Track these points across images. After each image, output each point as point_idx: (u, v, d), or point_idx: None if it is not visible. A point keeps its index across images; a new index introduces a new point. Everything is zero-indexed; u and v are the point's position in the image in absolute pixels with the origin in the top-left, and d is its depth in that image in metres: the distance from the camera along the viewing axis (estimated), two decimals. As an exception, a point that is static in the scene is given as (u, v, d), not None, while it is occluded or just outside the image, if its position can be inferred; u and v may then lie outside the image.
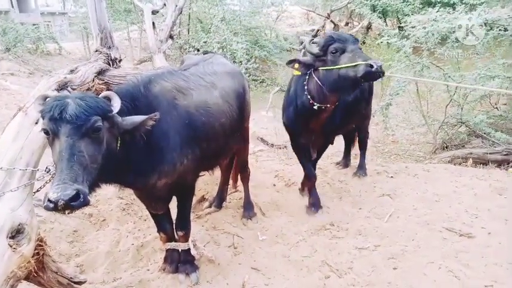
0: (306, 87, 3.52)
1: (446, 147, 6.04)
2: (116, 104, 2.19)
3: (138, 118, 2.26)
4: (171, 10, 6.39)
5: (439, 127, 6.11)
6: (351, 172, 5.04)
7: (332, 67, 3.22)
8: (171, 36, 6.24)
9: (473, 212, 3.95)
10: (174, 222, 3.16)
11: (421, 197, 4.33)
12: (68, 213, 1.84)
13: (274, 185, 4.81)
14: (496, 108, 6.35)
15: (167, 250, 3.22)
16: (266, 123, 7.73)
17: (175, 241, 3.18)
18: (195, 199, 4.31)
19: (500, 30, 5.95)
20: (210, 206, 4.24)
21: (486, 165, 5.25)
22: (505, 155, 5.16)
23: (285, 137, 6.93)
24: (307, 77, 3.51)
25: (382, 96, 6.83)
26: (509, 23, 5.81)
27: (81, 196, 1.81)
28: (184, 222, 3.13)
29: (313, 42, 3.39)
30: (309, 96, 3.50)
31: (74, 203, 1.78)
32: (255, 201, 4.24)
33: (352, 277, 3.13)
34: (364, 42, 12.70)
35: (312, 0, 15.67)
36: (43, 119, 2.02)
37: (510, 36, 6.24)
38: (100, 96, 2.22)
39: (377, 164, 5.42)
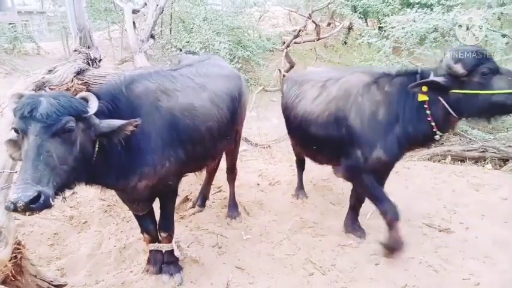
0: (428, 112, 2.93)
1: (426, 145, 6.16)
2: (93, 105, 2.15)
3: (116, 122, 2.19)
4: (152, 9, 6.33)
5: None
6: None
7: (482, 91, 2.70)
8: (152, 36, 6.18)
9: (451, 208, 4.06)
10: (157, 223, 3.15)
11: (401, 194, 4.42)
12: (29, 215, 1.78)
13: (258, 184, 4.83)
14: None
15: (150, 251, 3.19)
16: (250, 123, 7.73)
17: (159, 242, 3.16)
18: (178, 200, 4.29)
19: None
20: (193, 206, 4.22)
21: (464, 162, 5.40)
22: (482, 152, 5.32)
23: (268, 137, 7.00)
24: (426, 99, 2.91)
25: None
26: (483, 24, 5.98)
27: (42, 198, 1.76)
28: (167, 223, 3.10)
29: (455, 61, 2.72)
30: (432, 123, 2.94)
31: (33, 205, 1.73)
32: (239, 201, 4.24)
33: (336, 274, 3.17)
34: (345, 43, 12.90)
35: (295, 0, 15.74)
36: (15, 117, 1.97)
37: (485, 36, 6.44)
38: (77, 96, 2.18)
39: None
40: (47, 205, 1.79)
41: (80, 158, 2.08)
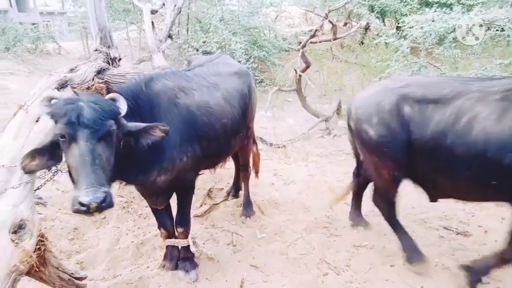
0: None
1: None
2: (123, 107, 2.23)
3: (141, 124, 2.28)
4: (170, 10, 6.41)
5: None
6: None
7: None
8: (170, 36, 6.26)
9: (469, 211, 3.99)
10: (174, 218, 3.20)
11: (418, 195, 4.36)
12: (97, 214, 1.96)
13: (273, 183, 4.85)
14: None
15: (167, 247, 3.25)
16: (265, 123, 7.76)
17: (176, 238, 3.21)
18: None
19: (497, 30, 5.98)
20: (227, 196, 4.45)
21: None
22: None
23: (283, 137, 7.01)
24: None
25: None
26: (506, 23, 5.85)
27: (109, 198, 1.93)
28: (184, 219, 3.16)
29: None
30: None
31: (103, 205, 1.89)
32: (254, 200, 4.27)
33: (350, 274, 3.16)
34: (362, 43, 12.75)
35: (311, 0, 15.68)
36: (56, 123, 2.05)
37: (507, 36, 6.29)
38: (106, 97, 2.26)
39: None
40: (112, 204, 1.97)
41: (114, 157, 2.18)
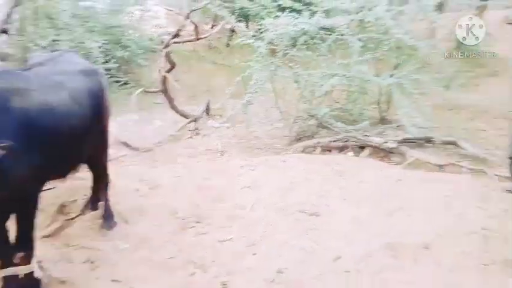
0: None
1: (300, 139, 6.72)
2: None
3: None
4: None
5: (293, 121, 6.76)
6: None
7: None
8: (4, 31, 5.39)
9: (320, 194, 4.48)
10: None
11: (278, 185, 4.73)
12: None
13: (138, 189, 4.61)
14: (337, 102, 7.36)
15: (3, 279, 2.77)
16: (131, 127, 7.37)
17: (15, 265, 2.77)
18: (54, 209, 3.89)
19: (338, 35, 6.87)
20: (84, 210, 3.97)
21: (331, 151, 6.04)
22: (345, 141, 6.02)
23: (149, 140, 6.76)
24: None
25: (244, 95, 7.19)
26: (344, 29, 6.77)
27: None
28: (25, 241, 2.75)
29: None
30: None
31: None
32: (116, 209, 3.99)
33: (216, 269, 3.22)
34: (228, 45, 13.23)
35: (178, 0, 15.54)
36: None
37: (346, 40, 7.30)
38: None
39: (241, 159, 5.70)
40: None
41: None
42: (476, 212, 3.83)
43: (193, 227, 3.88)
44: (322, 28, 6.92)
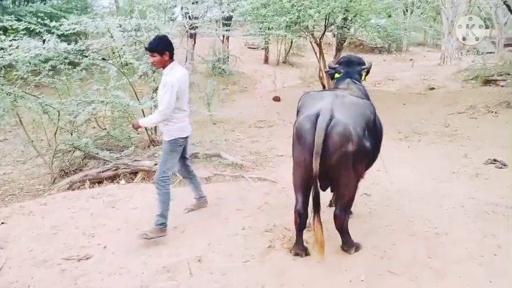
0: None
1: (66, 174, 5.99)
2: None
3: None
4: None
5: (53, 156, 5.95)
6: None
7: None
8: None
9: (90, 232, 4.08)
10: None
11: (37, 235, 4.02)
12: None
13: None
14: (105, 129, 6.97)
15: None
16: None
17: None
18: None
19: (89, 59, 6.47)
20: None
21: (102, 183, 5.64)
22: (115, 170, 5.74)
23: None
24: None
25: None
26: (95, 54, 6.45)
27: None
28: None
29: None
30: None
31: None
32: None
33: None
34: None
35: None
36: None
37: (101, 65, 6.98)
38: None
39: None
40: None
41: None
42: (237, 214, 4.40)
43: None
44: (77, 52, 6.39)
